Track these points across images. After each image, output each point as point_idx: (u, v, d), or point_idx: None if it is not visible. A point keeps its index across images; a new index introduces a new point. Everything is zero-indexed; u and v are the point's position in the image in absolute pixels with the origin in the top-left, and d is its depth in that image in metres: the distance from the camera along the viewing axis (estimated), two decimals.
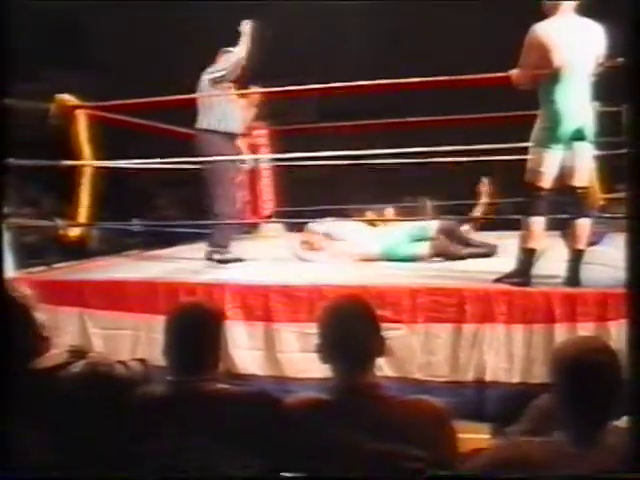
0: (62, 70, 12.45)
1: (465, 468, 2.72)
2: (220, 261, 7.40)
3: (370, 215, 8.90)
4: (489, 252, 7.43)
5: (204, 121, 7.57)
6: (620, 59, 5.57)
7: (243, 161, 9.84)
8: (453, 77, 6.90)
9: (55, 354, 3.35)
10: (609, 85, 5.81)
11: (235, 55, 7.55)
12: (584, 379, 2.57)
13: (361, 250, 7.47)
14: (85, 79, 12.19)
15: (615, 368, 2.60)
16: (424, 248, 7.34)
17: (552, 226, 5.83)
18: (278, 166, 10.42)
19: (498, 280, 5.68)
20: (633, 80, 2.58)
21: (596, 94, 5.65)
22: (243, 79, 7.82)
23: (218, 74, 7.56)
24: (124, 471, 2.83)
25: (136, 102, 7.97)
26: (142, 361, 3.80)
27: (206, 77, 7.59)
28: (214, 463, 2.80)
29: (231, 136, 7.72)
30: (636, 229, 2.70)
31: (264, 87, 8.13)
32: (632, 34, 2.51)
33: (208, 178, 7.51)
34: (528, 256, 5.62)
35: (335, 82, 7.18)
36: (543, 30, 5.45)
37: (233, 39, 7.55)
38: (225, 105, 7.65)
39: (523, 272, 5.61)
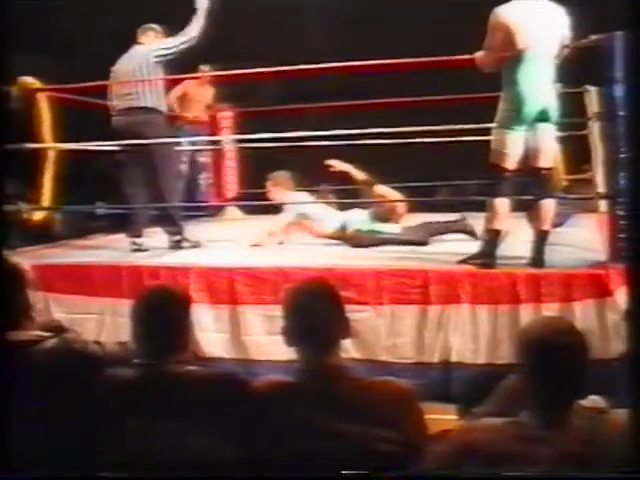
0: (24, 53, 12.34)
1: (431, 454, 2.72)
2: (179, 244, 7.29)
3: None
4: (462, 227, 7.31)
5: (150, 100, 7.30)
6: (584, 40, 5.62)
7: (195, 143, 9.85)
8: (416, 59, 6.89)
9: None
10: (571, 66, 5.84)
11: (185, 35, 7.26)
12: (549, 359, 2.59)
13: (331, 228, 7.43)
14: (47, 62, 12.08)
15: (580, 348, 2.62)
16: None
17: (517, 207, 5.85)
18: (242, 148, 10.36)
19: (463, 261, 5.70)
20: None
21: (559, 75, 5.67)
22: (192, 58, 7.71)
23: (165, 52, 7.27)
24: (92, 455, 2.83)
25: (99, 84, 7.90)
26: (121, 343, 3.81)
27: (151, 55, 7.26)
28: (182, 445, 2.80)
29: (168, 117, 7.68)
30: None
31: (225, 68, 8.10)
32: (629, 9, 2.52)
33: (154, 160, 7.22)
34: (493, 237, 5.63)
35: (298, 63, 7.16)
36: (506, 12, 5.45)
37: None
38: (159, 86, 7.44)
39: (488, 253, 5.63)
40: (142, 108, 7.26)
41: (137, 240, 7.35)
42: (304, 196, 7.74)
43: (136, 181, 7.41)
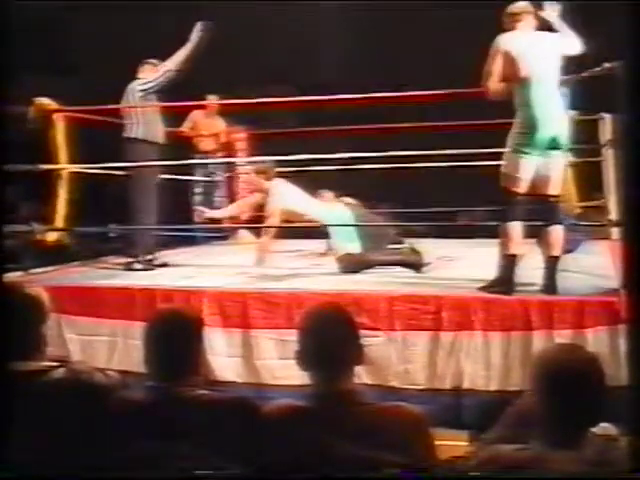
0: (41, 74, 12.41)
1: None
2: (142, 269, 7.62)
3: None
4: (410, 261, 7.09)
5: (139, 131, 7.75)
6: (597, 69, 5.64)
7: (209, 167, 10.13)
8: (428, 92, 6.98)
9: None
10: (586, 94, 5.86)
11: (164, 68, 7.68)
12: (562, 387, 2.59)
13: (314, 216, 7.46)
14: (64, 83, 12.15)
15: (593, 376, 2.62)
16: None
17: (528, 234, 5.84)
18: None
19: (482, 289, 5.66)
20: (628, 87, 2.59)
21: (573, 103, 5.68)
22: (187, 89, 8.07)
23: (146, 87, 7.72)
24: (104, 477, 2.83)
25: (115, 107, 8.01)
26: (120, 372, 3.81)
27: (138, 88, 7.74)
28: (194, 469, 2.80)
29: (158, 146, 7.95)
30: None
31: (240, 92, 8.22)
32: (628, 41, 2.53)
33: (132, 186, 7.71)
34: (509, 263, 5.61)
35: (316, 87, 7.23)
36: (507, 40, 5.58)
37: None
38: (153, 116, 7.91)
39: (505, 280, 5.60)
40: (131, 139, 7.73)
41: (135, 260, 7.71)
42: (288, 186, 7.78)
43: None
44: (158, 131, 7.93)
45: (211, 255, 9.02)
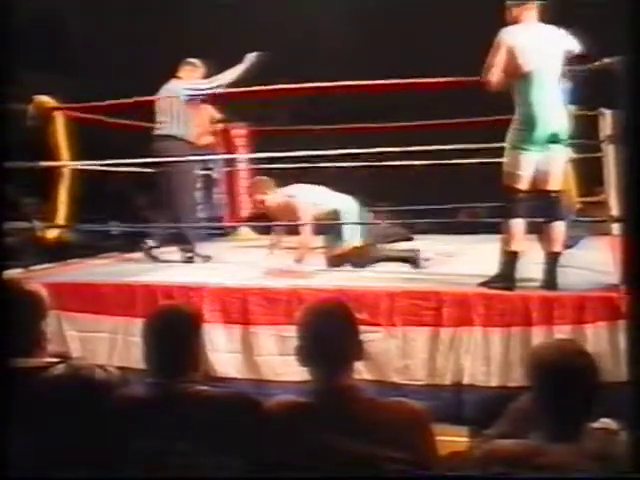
0: (40, 72, 12.41)
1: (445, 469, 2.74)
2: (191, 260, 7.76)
3: None
4: (409, 257, 7.10)
5: (180, 130, 7.81)
6: (597, 63, 5.62)
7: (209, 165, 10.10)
8: (428, 80, 6.96)
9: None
10: (585, 89, 5.84)
11: (219, 80, 7.75)
12: (560, 382, 2.59)
13: (324, 206, 7.44)
14: (63, 81, 12.15)
15: (591, 371, 2.62)
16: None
17: (528, 229, 5.83)
18: (257, 167, 10.34)
19: (483, 284, 5.66)
20: (628, 82, 2.59)
21: (573, 98, 5.67)
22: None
23: (195, 93, 7.83)
24: (105, 473, 2.83)
25: (114, 103, 8.02)
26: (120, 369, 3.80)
27: (181, 92, 7.79)
28: (194, 465, 2.80)
29: (192, 144, 8.02)
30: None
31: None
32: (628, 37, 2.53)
33: (171, 183, 7.77)
34: (510, 259, 5.61)
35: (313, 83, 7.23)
36: (510, 34, 5.52)
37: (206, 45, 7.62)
38: (189, 115, 7.96)
39: (506, 276, 5.59)
40: (170, 136, 7.76)
41: (152, 252, 7.89)
42: (307, 189, 7.73)
43: (156, 201, 8.08)
44: (192, 129, 8.02)
45: (230, 252, 8.93)
